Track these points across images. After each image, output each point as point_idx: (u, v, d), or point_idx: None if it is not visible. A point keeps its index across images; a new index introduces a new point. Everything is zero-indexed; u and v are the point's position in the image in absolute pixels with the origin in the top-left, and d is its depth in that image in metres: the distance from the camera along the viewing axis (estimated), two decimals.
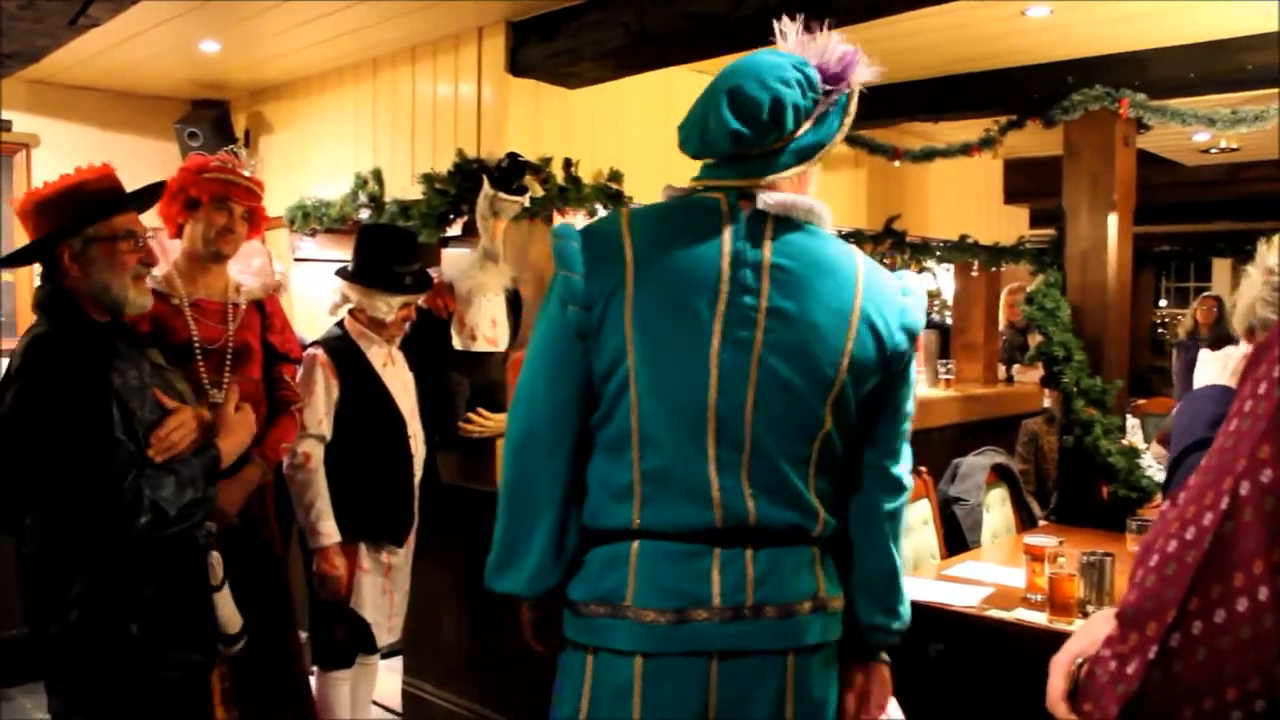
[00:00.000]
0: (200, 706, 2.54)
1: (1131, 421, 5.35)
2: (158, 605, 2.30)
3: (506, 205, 3.76)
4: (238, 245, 3.23)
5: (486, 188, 3.73)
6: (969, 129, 5.46)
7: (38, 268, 2.54)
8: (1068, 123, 4.69)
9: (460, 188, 4.10)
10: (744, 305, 1.71)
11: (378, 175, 4.68)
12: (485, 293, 3.84)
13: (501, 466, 1.83)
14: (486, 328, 3.89)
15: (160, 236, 3.22)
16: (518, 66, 4.19)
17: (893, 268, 7.50)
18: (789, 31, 1.83)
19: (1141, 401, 7.63)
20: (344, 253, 4.65)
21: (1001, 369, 7.61)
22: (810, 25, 3.96)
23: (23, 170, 5.21)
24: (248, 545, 3.15)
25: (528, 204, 3.95)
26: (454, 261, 4.05)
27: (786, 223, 1.75)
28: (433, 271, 3.89)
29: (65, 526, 2.21)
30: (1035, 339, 7.33)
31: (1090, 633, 1.15)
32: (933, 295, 10.36)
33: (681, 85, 4.82)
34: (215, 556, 2.54)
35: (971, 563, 3.72)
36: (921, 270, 10.13)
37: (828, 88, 1.77)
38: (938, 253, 6.51)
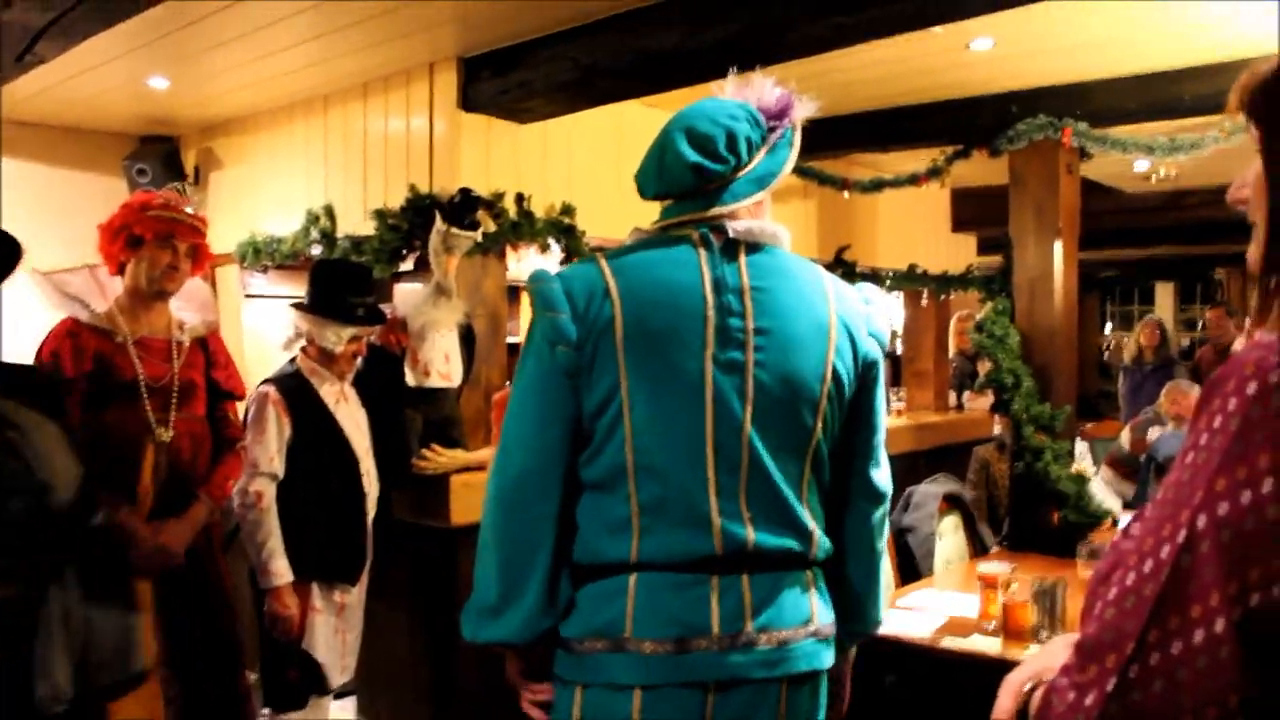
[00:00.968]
0: None
1: (1080, 446, 5.41)
2: None
3: (459, 240, 3.75)
4: (182, 282, 3.20)
5: (439, 223, 3.72)
6: (916, 159, 5.54)
7: None
8: (1012, 152, 4.77)
9: (412, 223, 4.09)
10: (731, 328, 1.75)
11: (329, 211, 4.66)
12: (438, 328, 3.82)
13: (487, 512, 1.81)
14: (440, 363, 3.87)
15: (100, 273, 3.20)
16: (470, 102, 4.20)
17: None
18: (726, 84, 1.93)
19: (1089, 425, 7.73)
20: (296, 288, 4.62)
21: (952, 396, 7.68)
22: (755, 65, 4.03)
23: None
24: (194, 585, 3.13)
25: (480, 239, 3.94)
26: (407, 297, 4.02)
27: (755, 248, 1.82)
28: (385, 307, 3.86)
29: None
30: (985, 366, 7.41)
31: (1046, 658, 1.16)
32: None
33: (633, 119, 4.85)
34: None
35: (925, 590, 3.73)
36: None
37: (771, 123, 1.88)
38: (887, 282, 6.57)
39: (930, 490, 4.34)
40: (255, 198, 5.22)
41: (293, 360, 3.55)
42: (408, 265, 4.43)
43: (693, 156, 1.78)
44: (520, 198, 4.29)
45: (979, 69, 4.66)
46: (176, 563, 3.03)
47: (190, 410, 3.18)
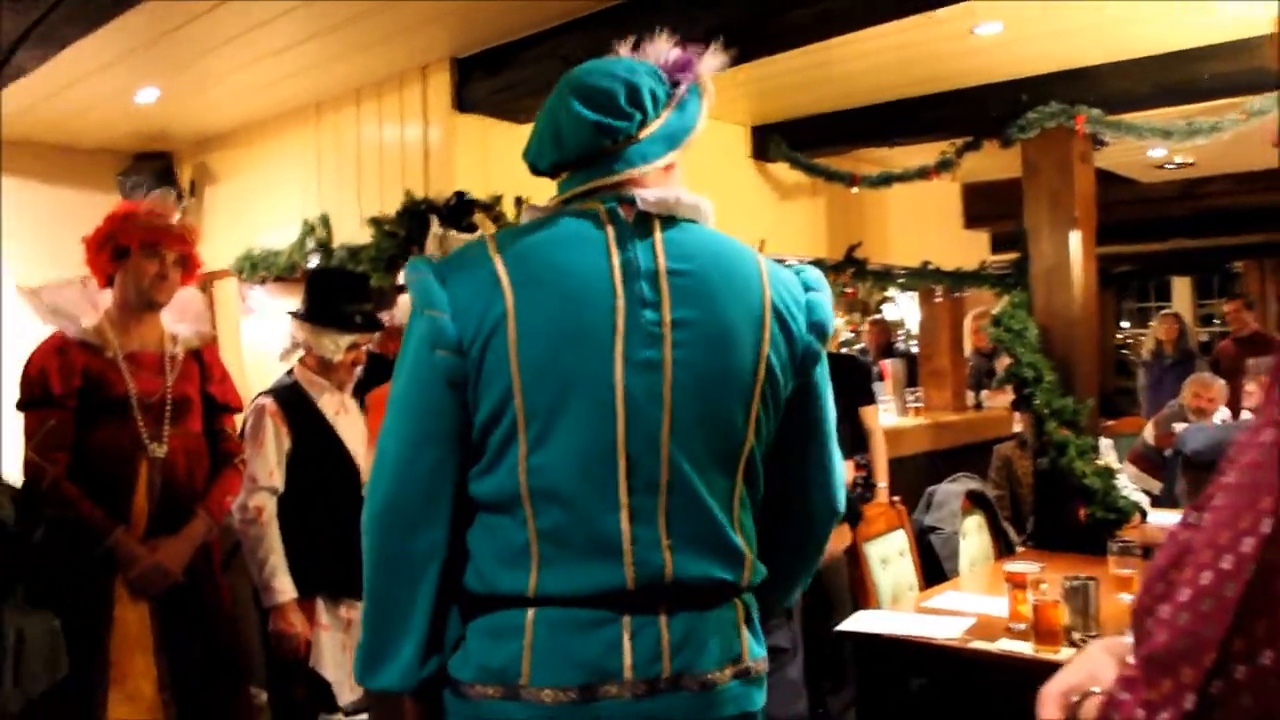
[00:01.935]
0: None
1: (1104, 442, 5.28)
2: None
3: (456, 244, 3.65)
4: (172, 292, 3.10)
5: (435, 227, 3.62)
6: (925, 152, 5.42)
7: None
8: (1025, 141, 4.66)
9: (409, 229, 4.00)
10: (645, 321, 1.50)
11: (325, 221, 4.59)
12: None
13: (364, 550, 1.56)
14: None
15: (89, 285, 3.11)
16: (464, 103, 4.12)
17: (854, 296, 7.48)
18: (620, 47, 1.68)
19: (1111, 422, 7.59)
20: (295, 301, 4.52)
21: (970, 395, 7.56)
22: (748, 55, 3.81)
23: None
24: (194, 604, 3.03)
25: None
26: (406, 304, 3.91)
27: (672, 223, 1.57)
28: (386, 315, 3.77)
29: None
30: (1003, 363, 7.31)
31: (1087, 665, 1.03)
32: (896, 325, 10.33)
33: None
34: None
35: (951, 593, 3.61)
36: (883, 300, 10.14)
37: (675, 78, 1.62)
38: (900, 280, 6.45)
39: (952, 489, 4.22)
40: (251, 211, 5.15)
41: (290, 371, 3.47)
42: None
43: (591, 115, 1.54)
44: (519, 201, 4.18)
45: (986, 55, 4.55)
46: (174, 582, 2.94)
47: (185, 425, 3.07)
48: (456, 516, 1.53)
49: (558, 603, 1.48)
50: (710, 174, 5.47)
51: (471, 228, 3.68)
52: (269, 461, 3.25)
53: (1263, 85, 4.10)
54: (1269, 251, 10.95)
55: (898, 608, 3.54)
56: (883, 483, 4.62)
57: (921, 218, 7.36)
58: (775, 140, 5.47)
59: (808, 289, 1.64)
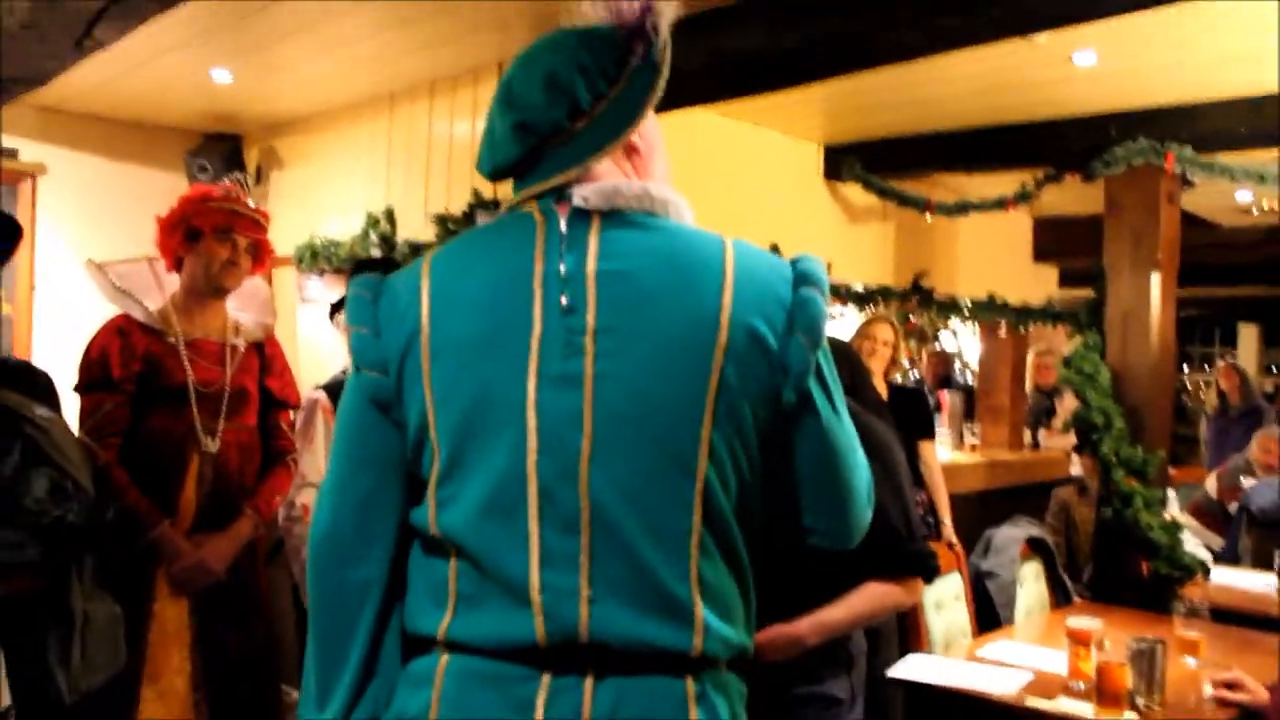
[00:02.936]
0: None
1: (1169, 494, 5.12)
2: None
3: None
4: (240, 280, 3.05)
5: None
6: (1002, 183, 5.28)
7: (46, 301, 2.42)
8: (1109, 178, 4.52)
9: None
10: (566, 331, 1.28)
11: (390, 215, 4.53)
12: None
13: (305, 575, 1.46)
14: None
15: (158, 266, 3.07)
16: None
17: (915, 327, 7.33)
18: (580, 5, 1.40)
19: (1172, 471, 7.40)
20: None
21: (1027, 434, 7.39)
22: (840, 71, 3.63)
23: (27, 200, 5.07)
24: (234, 602, 2.97)
25: None
26: None
27: (618, 219, 1.33)
28: None
29: None
30: (1063, 403, 7.16)
31: None
32: (953, 355, 10.16)
33: (706, 126, 4.68)
34: None
35: (1005, 642, 3.49)
36: (938, 331, 9.98)
37: (632, 48, 1.36)
38: (965, 311, 6.30)
39: (1012, 534, 4.08)
40: (316, 199, 5.12)
41: (345, 369, 3.41)
42: None
43: (510, 115, 1.35)
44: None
45: (1076, 87, 4.41)
46: (216, 580, 2.89)
47: (240, 419, 3.03)
48: (400, 550, 1.38)
49: (469, 650, 1.29)
50: (780, 192, 5.39)
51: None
52: (319, 458, 3.19)
53: None
54: None
55: (950, 654, 3.42)
56: (947, 519, 4.49)
57: (991, 249, 7.21)
58: (850, 161, 5.35)
59: (800, 283, 1.35)
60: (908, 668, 3.13)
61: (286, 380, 3.23)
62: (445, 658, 1.30)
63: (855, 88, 4.45)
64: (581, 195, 1.33)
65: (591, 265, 1.30)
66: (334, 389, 3.31)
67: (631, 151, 1.41)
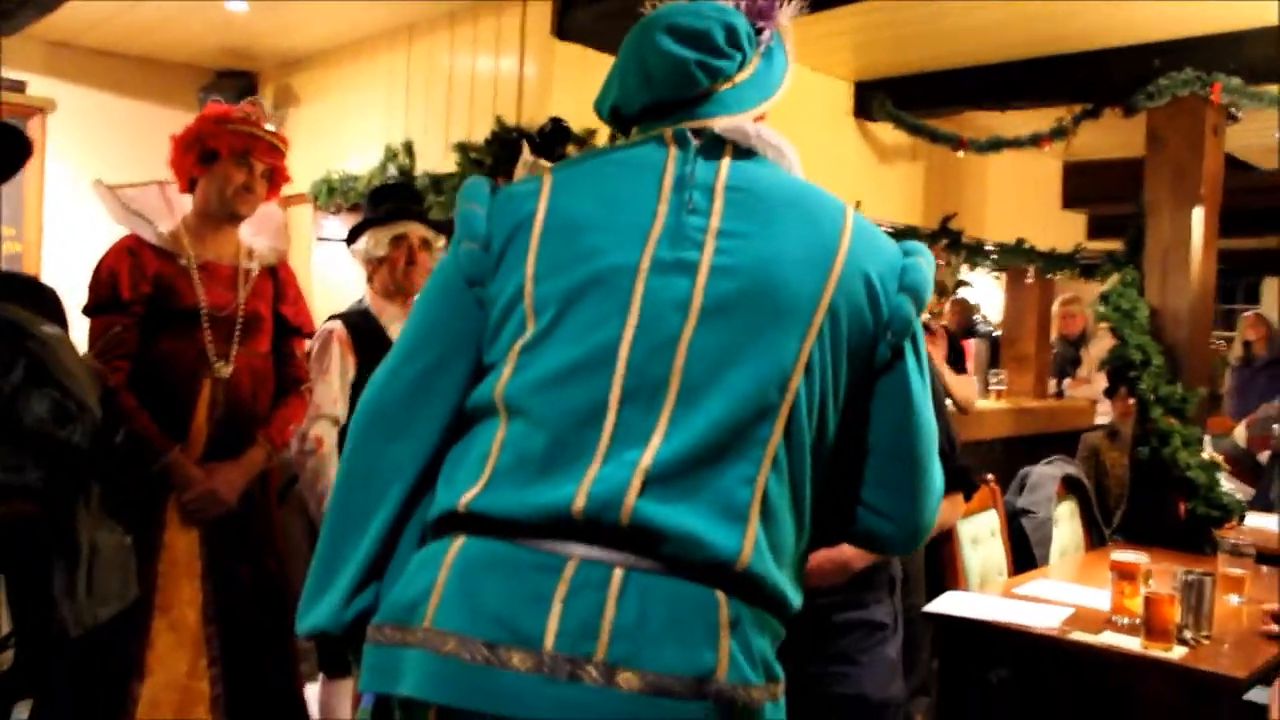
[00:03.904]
0: None
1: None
2: None
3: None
4: (255, 205, 2.95)
5: (526, 154, 3.43)
6: (1035, 121, 5.12)
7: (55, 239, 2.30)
8: (1151, 111, 4.34)
9: (497, 158, 3.81)
10: (687, 226, 1.29)
11: (409, 148, 4.44)
12: None
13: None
14: None
15: (169, 190, 2.97)
16: (565, 30, 3.89)
17: (943, 271, 7.21)
18: None
19: None
20: None
21: (1052, 383, 7.27)
22: None
23: (38, 134, 4.98)
24: (246, 536, 2.89)
25: None
26: None
27: (750, 156, 1.37)
28: None
29: None
30: (1090, 353, 7.04)
31: None
32: (972, 306, 10.05)
33: None
34: None
35: (1042, 580, 3.39)
36: (959, 284, 9.83)
37: (759, 25, 1.45)
38: (993, 256, 6.17)
39: (1048, 472, 3.97)
40: (333, 136, 5.03)
41: (362, 300, 3.32)
42: None
43: (684, 51, 1.36)
44: (614, 138, 3.99)
45: (1116, 16, 4.26)
46: (229, 510, 2.80)
47: (253, 345, 2.93)
48: (443, 439, 1.31)
49: (487, 528, 1.19)
50: (808, 129, 5.24)
51: (563, 159, 3.48)
52: (333, 389, 3.11)
53: None
54: None
55: (986, 590, 3.33)
56: None
57: (1020, 193, 7.08)
58: (880, 98, 5.19)
59: (909, 253, 1.38)
60: (944, 603, 3.04)
61: (300, 308, 3.14)
62: (460, 540, 1.21)
63: (888, 19, 4.33)
64: (720, 126, 1.36)
65: (722, 180, 1.32)
66: (351, 319, 3.23)
67: (760, 118, 1.44)
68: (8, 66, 4.59)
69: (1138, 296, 4.30)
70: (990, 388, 6.57)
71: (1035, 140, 4.91)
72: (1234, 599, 3.18)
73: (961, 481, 2.23)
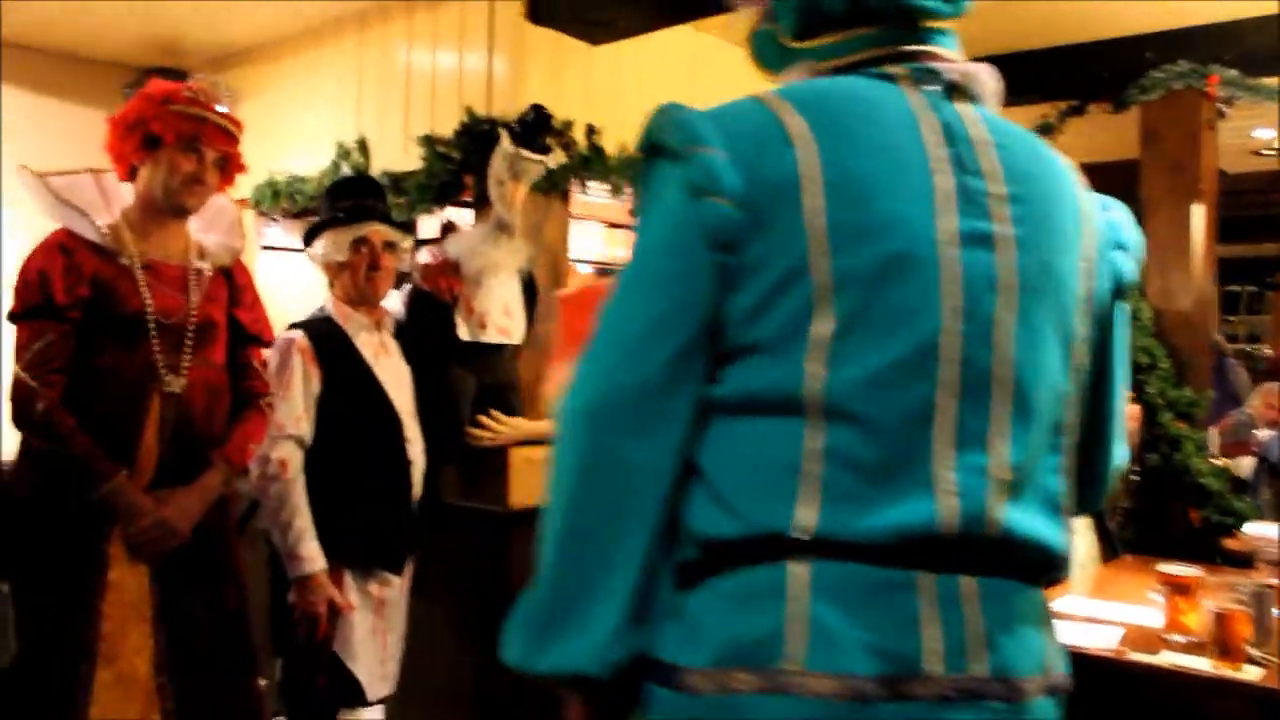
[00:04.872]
0: None
1: None
2: None
3: (529, 166, 3.15)
4: (205, 198, 2.63)
5: (506, 144, 3.12)
6: (1021, 116, 4.97)
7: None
8: (1145, 106, 4.21)
9: (467, 152, 3.51)
10: (970, 189, 1.14)
11: (363, 145, 4.10)
12: (498, 273, 3.27)
13: (553, 463, 1.15)
14: (498, 315, 3.31)
15: (106, 179, 2.65)
16: (540, 12, 3.60)
17: None
18: None
19: None
20: None
21: None
22: None
23: None
24: (204, 570, 2.58)
25: (553, 166, 3.36)
26: (460, 237, 3.44)
27: (975, 103, 1.22)
28: (433, 251, 3.31)
29: None
30: None
31: None
32: None
33: (709, 55, 4.41)
34: None
35: (1069, 596, 3.15)
36: None
37: None
38: None
39: None
40: (277, 135, 4.69)
41: (323, 307, 3.05)
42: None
43: None
44: (590, 130, 3.71)
45: (1104, 7, 4.11)
46: (181, 542, 2.48)
47: (207, 355, 2.60)
48: (686, 439, 1.11)
49: (843, 552, 1.05)
50: None
51: (546, 149, 3.19)
52: (296, 406, 2.84)
53: None
54: None
55: None
56: None
57: None
58: None
59: (1104, 209, 1.29)
60: None
61: (259, 313, 2.83)
62: (804, 566, 1.06)
63: None
64: (952, 71, 1.21)
65: (980, 132, 1.18)
66: (313, 328, 2.96)
67: None
68: None
69: (1140, 297, 4.14)
70: None
71: None
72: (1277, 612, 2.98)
73: None
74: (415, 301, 3.23)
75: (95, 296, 2.45)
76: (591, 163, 3.63)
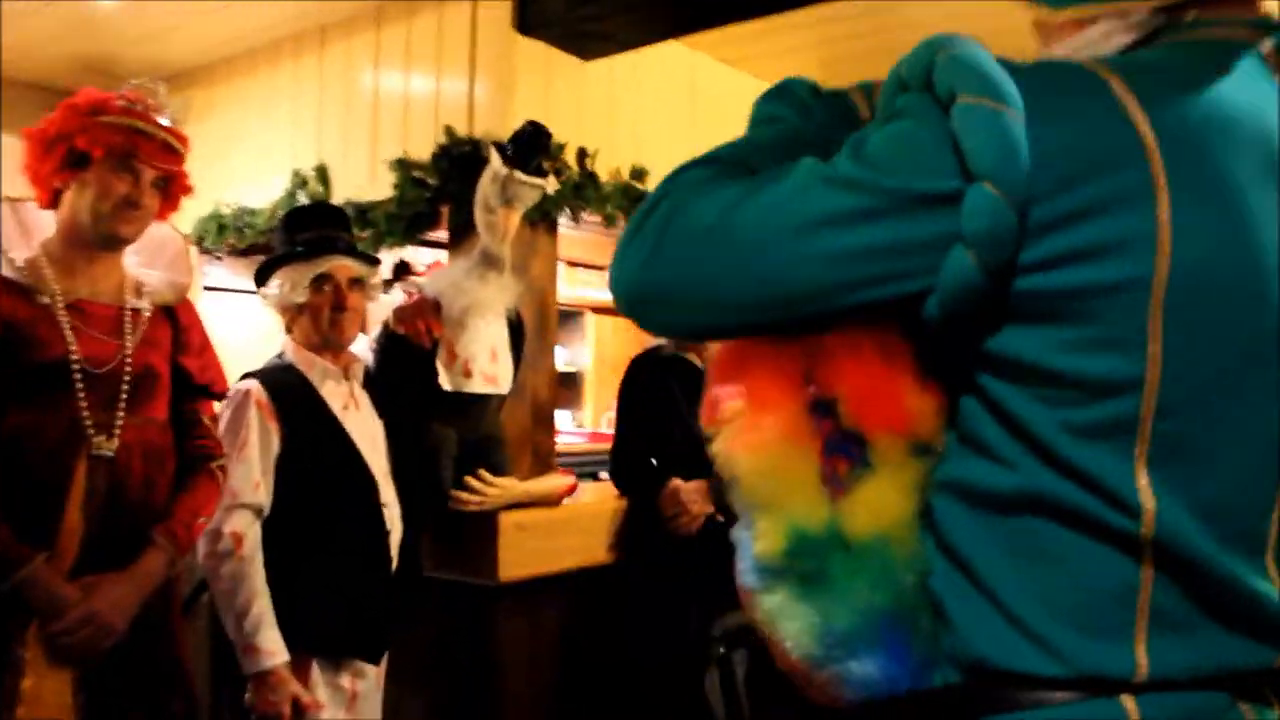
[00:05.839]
0: None
1: None
2: None
3: (524, 190, 2.78)
4: (142, 226, 2.33)
5: (497, 164, 2.76)
6: None
7: None
8: None
9: (446, 177, 3.16)
10: None
11: (322, 173, 3.77)
12: (485, 313, 2.94)
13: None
14: (485, 361, 2.97)
15: (24, 210, 2.35)
16: (528, 21, 3.27)
17: None
18: None
19: None
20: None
21: None
22: None
23: None
24: (142, 675, 2.27)
25: (550, 192, 3.01)
26: (440, 273, 3.14)
27: None
28: (408, 284, 2.98)
29: None
30: None
31: None
32: None
33: (707, 76, 4.23)
34: None
35: None
36: None
37: None
38: None
39: None
40: (222, 163, 4.37)
41: (281, 354, 2.77)
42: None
43: None
44: (582, 153, 3.39)
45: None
46: (114, 641, 2.15)
47: (146, 411, 2.29)
48: None
49: (1169, 687, 0.94)
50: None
51: (543, 172, 2.83)
52: (252, 470, 2.54)
53: None
54: None
55: None
56: None
57: None
58: None
59: None
60: None
61: (208, 359, 2.51)
62: (1132, 701, 0.93)
63: (849, 31, 4.11)
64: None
65: None
66: (270, 377, 2.68)
67: None
68: None
69: None
70: None
71: None
72: None
73: None
74: (388, 347, 2.89)
75: (7, 342, 2.12)
76: (584, 190, 3.29)
